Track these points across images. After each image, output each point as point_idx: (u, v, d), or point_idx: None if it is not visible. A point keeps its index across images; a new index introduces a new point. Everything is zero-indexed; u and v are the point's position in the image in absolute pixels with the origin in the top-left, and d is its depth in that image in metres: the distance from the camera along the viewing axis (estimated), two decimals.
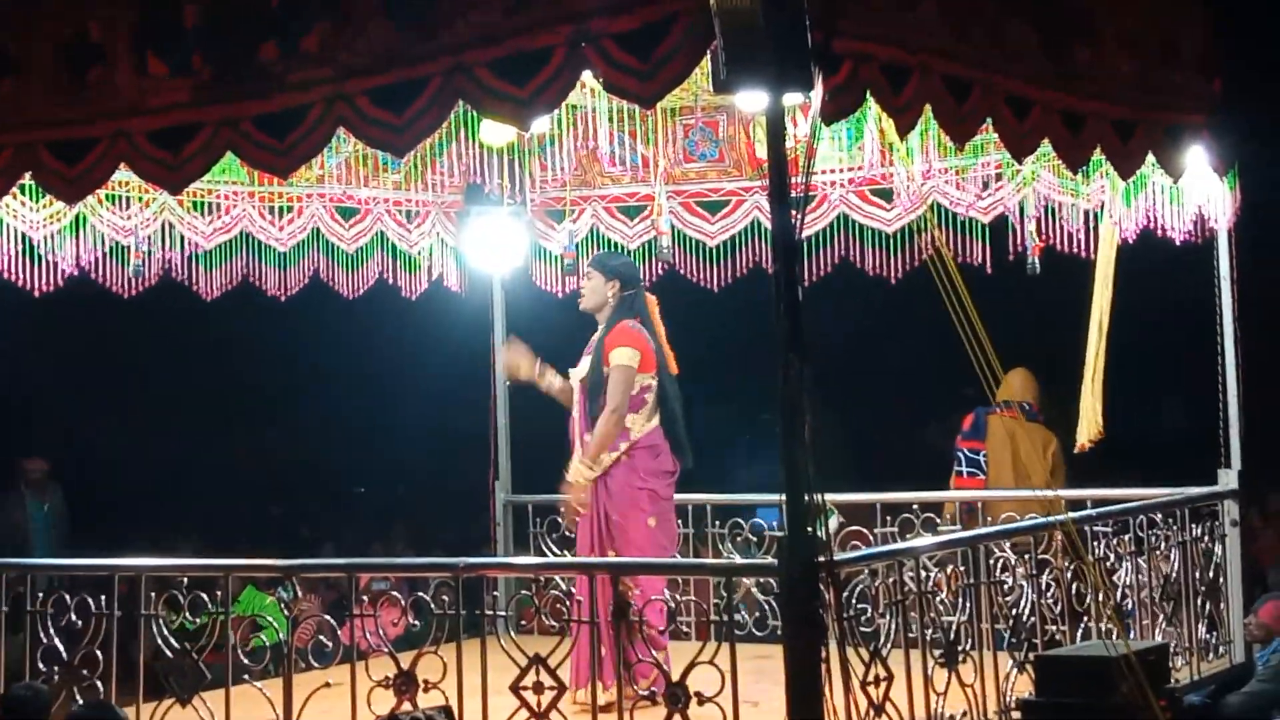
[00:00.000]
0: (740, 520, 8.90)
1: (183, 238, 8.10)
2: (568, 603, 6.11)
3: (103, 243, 7.78)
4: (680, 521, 8.79)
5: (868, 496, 8.66)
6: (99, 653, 6.46)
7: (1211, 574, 7.83)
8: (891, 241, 8.40)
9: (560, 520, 8.14)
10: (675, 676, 5.62)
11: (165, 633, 6.34)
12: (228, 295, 8.48)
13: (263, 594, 9.17)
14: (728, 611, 5.72)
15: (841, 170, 8.45)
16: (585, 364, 7.35)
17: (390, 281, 8.99)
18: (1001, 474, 9.28)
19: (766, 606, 8.39)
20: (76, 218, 7.54)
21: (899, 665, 5.84)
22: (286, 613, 6.50)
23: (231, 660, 6.27)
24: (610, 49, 5.34)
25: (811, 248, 8.39)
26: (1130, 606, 7.42)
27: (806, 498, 5.12)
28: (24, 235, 7.36)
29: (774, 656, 5.29)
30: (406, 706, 5.93)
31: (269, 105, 5.76)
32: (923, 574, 6.15)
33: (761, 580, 8.09)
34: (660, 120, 8.35)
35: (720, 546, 8.94)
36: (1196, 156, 7.36)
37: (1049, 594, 6.96)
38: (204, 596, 6.32)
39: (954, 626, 6.26)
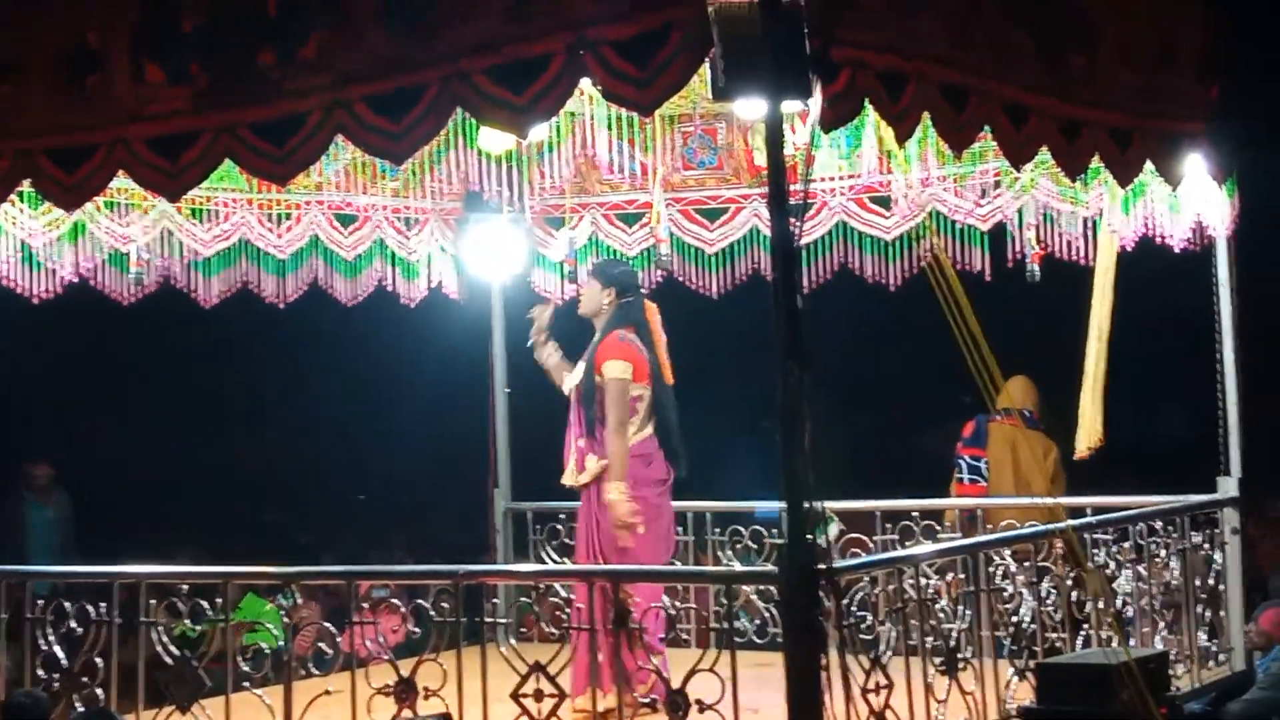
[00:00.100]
0: (740, 528, 8.89)
1: (181, 245, 8.10)
2: (568, 610, 6.11)
3: (101, 250, 7.78)
4: (680, 529, 8.80)
5: (868, 504, 8.65)
6: (99, 660, 6.46)
7: (1211, 581, 7.83)
8: (890, 249, 8.40)
9: (560, 528, 8.16)
10: (676, 684, 5.62)
11: (165, 640, 6.34)
12: (227, 302, 8.48)
13: (263, 600, 9.17)
14: (728, 619, 5.72)
15: (840, 178, 8.46)
16: (579, 370, 7.37)
17: (389, 289, 8.99)
18: (1002, 481, 9.28)
19: (767, 614, 8.38)
20: (75, 225, 7.55)
21: (899, 673, 5.84)
22: (286, 620, 6.49)
23: (232, 667, 6.26)
24: (609, 56, 5.35)
25: (810, 255, 8.39)
26: (1130, 614, 7.41)
27: (806, 505, 5.12)
28: (23, 242, 7.36)
29: (774, 664, 5.28)
30: (407, 714, 5.92)
31: (267, 112, 5.77)
32: (923, 581, 6.15)
33: (762, 587, 8.08)
34: (659, 127, 8.36)
35: (720, 554, 8.93)
36: (1195, 164, 7.36)
37: (1049, 602, 6.96)
38: (204, 604, 6.32)
39: (954, 634, 6.26)
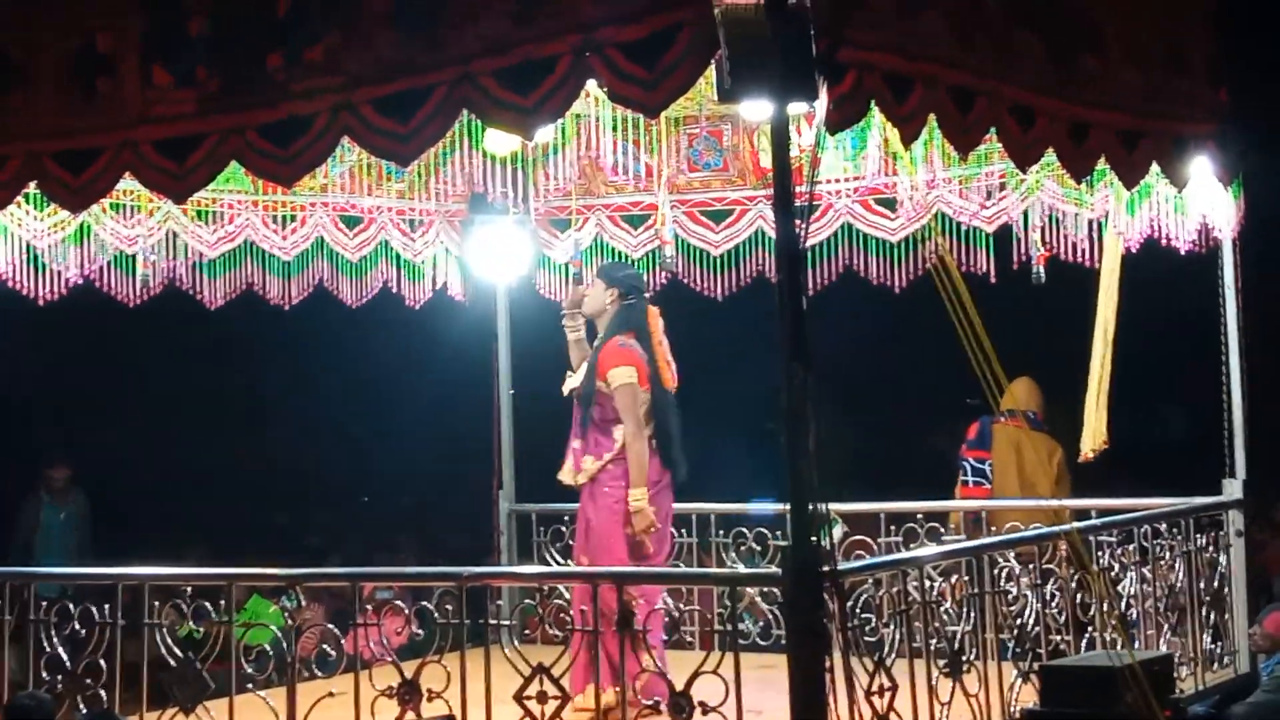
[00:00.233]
0: (744, 529, 8.89)
1: (187, 246, 8.11)
2: (571, 612, 6.11)
3: (106, 251, 7.79)
4: (683, 530, 8.81)
5: (872, 506, 8.66)
6: (102, 661, 6.46)
7: (1216, 584, 7.82)
8: (896, 251, 8.40)
9: (564, 530, 8.17)
10: (679, 686, 5.61)
11: (169, 641, 6.34)
12: (231, 304, 8.48)
13: (268, 602, 9.17)
14: (731, 621, 5.71)
15: (846, 179, 8.45)
16: (580, 373, 7.40)
17: (394, 290, 9.00)
18: (1007, 483, 9.27)
19: (771, 616, 8.38)
20: (81, 227, 7.56)
21: (903, 675, 5.83)
22: (290, 621, 6.49)
23: (235, 669, 6.26)
24: (615, 58, 5.34)
25: (815, 257, 8.39)
26: (1135, 616, 7.41)
27: (810, 507, 5.12)
28: (28, 244, 7.37)
29: (778, 666, 5.29)
30: (410, 716, 5.92)
31: (274, 114, 5.76)
32: (927, 584, 6.15)
33: (766, 589, 8.08)
34: (664, 129, 8.36)
35: (724, 556, 8.93)
36: (1201, 166, 7.35)
37: (1053, 604, 6.95)
38: (208, 605, 6.32)
39: (958, 636, 6.25)
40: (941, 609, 6.28)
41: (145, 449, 14.40)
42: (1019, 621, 6.76)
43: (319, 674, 6.47)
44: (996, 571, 6.71)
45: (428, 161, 7.92)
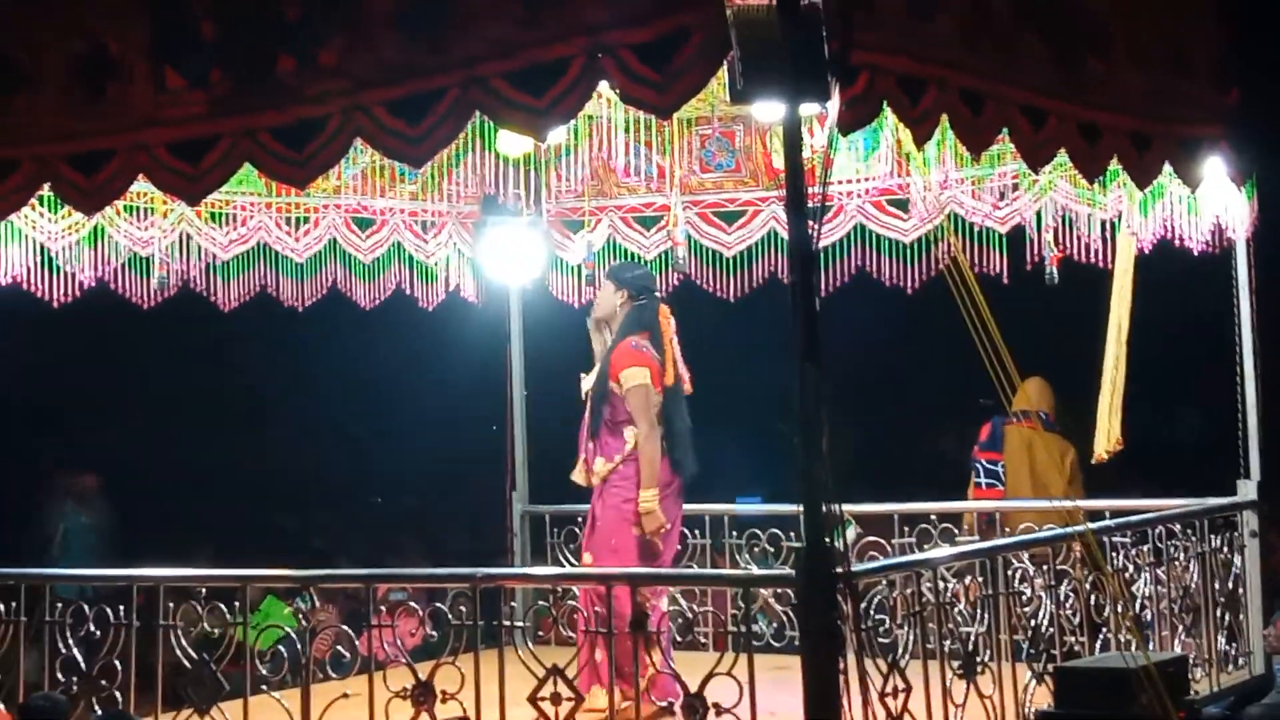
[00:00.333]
0: (757, 531, 8.89)
1: (200, 249, 8.13)
2: (586, 613, 6.11)
3: (119, 253, 7.81)
4: (696, 532, 8.82)
5: (885, 507, 8.65)
6: (117, 663, 6.47)
7: (1231, 585, 7.80)
8: (908, 252, 8.39)
9: (577, 531, 8.17)
10: (693, 687, 5.61)
11: (184, 643, 6.35)
12: (244, 305, 8.50)
13: (282, 603, 9.19)
14: (745, 622, 5.71)
15: (858, 180, 8.45)
16: (594, 374, 7.42)
17: (407, 292, 9.01)
18: (1019, 484, 9.26)
19: (785, 617, 8.38)
20: (94, 229, 7.58)
21: (917, 676, 5.83)
22: (304, 623, 6.50)
23: (250, 670, 6.27)
24: (627, 60, 5.35)
25: (828, 258, 8.39)
26: (1149, 618, 7.39)
27: (824, 508, 5.12)
28: (42, 246, 7.39)
29: (792, 667, 5.28)
30: (425, 717, 5.93)
31: (286, 117, 5.77)
32: (941, 585, 6.14)
33: (779, 591, 8.07)
34: (676, 130, 8.36)
35: (737, 557, 8.93)
36: (1214, 167, 7.34)
37: (1068, 605, 6.94)
38: (222, 607, 6.33)
39: (972, 638, 6.25)
40: (955, 610, 6.27)
41: (155, 450, 14.41)
42: (1033, 623, 6.75)
43: (333, 675, 6.48)
44: (1011, 573, 6.70)
45: (440, 163, 7.92)
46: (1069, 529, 6.94)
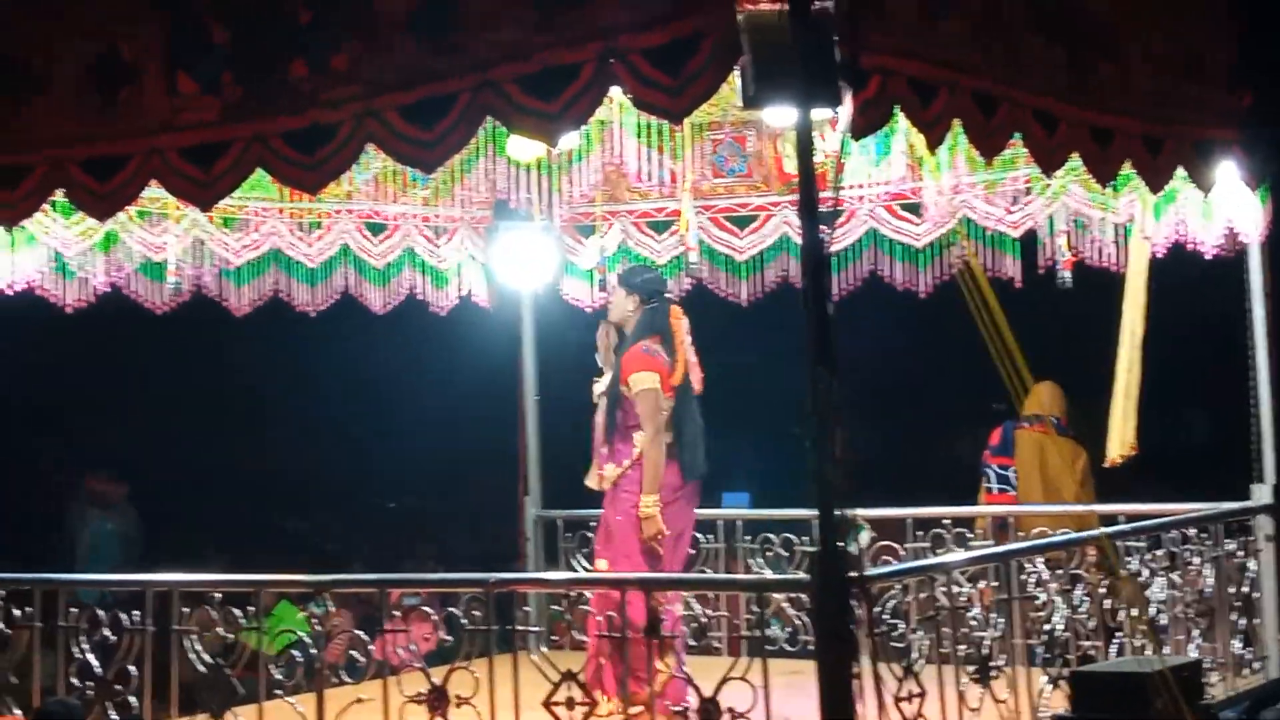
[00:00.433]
0: (771, 535, 8.89)
1: (213, 254, 8.14)
2: (599, 618, 6.12)
3: (132, 258, 7.82)
4: (710, 536, 8.81)
5: (899, 511, 8.64)
6: (132, 668, 6.48)
7: (1246, 589, 7.78)
8: (921, 256, 8.38)
9: (590, 535, 8.16)
10: (708, 692, 5.61)
11: (198, 648, 6.36)
12: (257, 311, 8.51)
13: (295, 608, 9.19)
14: (759, 627, 5.71)
15: (870, 185, 8.44)
16: (607, 378, 7.44)
17: (419, 297, 9.01)
18: (1031, 489, 9.25)
19: (798, 621, 8.37)
20: (108, 234, 7.59)
21: (932, 681, 5.82)
22: (319, 627, 6.50)
23: (264, 675, 6.27)
24: (639, 64, 5.35)
25: (841, 262, 8.38)
26: (1164, 622, 7.38)
27: (838, 512, 5.11)
28: (56, 252, 7.41)
29: (806, 672, 5.28)
30: None
31: (299, 122, 5.78)
32: (955, 589, 6.13)
33: (793, 595, 8.07)
34: (688, 135, 8.36)
35: (751, 561, 8.92)
36: (1227, 170, 7.33)
37: (1082, 609, 6.93)
38: (237, 612, 6.34)
39: (987, 642, 6.24)
40: (970, 615, 6.26)
41: (169, 455, 14.44)
42: (1048, 627, 6.74)
43: (347, 680, 6.47)
44: (1025, 577, 6.69)
45: (452, 168, 7.93)
46: (1084, 533, 6.93)
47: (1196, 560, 7.56)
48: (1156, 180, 6.95)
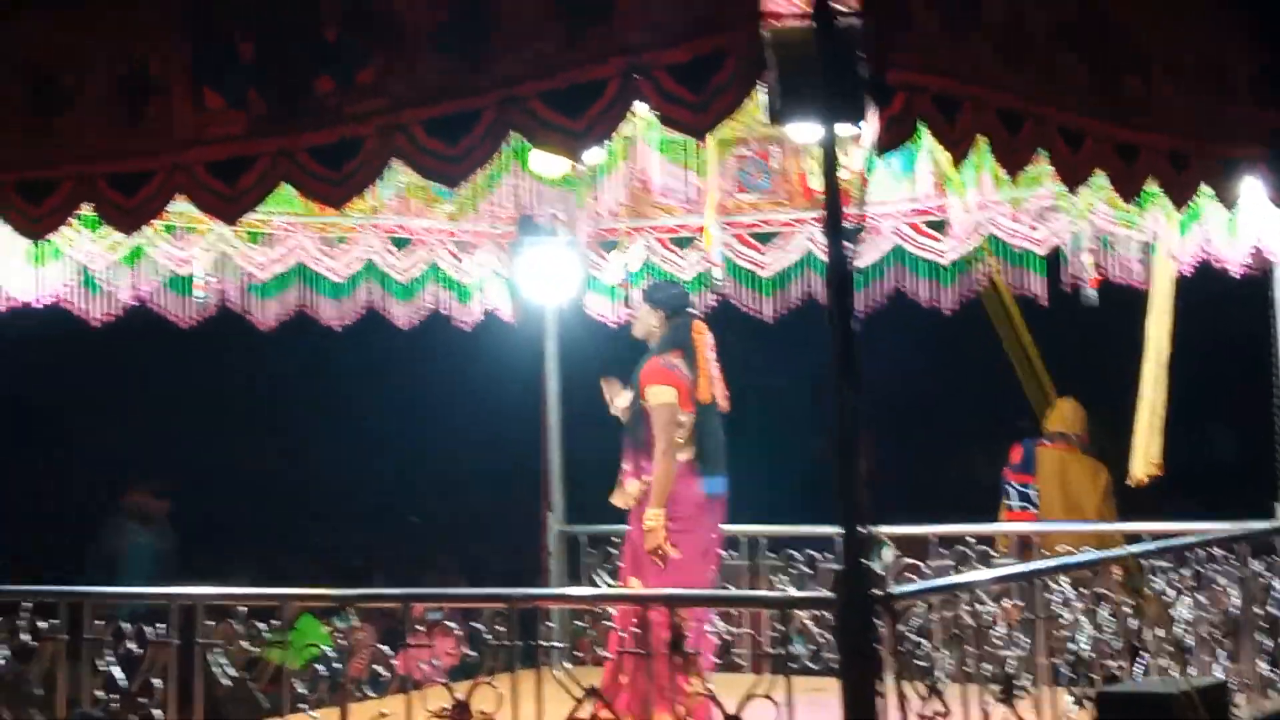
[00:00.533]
0: (794, 552, 8.87)
1: (238, 268, 8.17)
2: (622, 634, 6.11)
3: (159, 272, 7.86)
4: (734, 553, 8.79)
5: (922, 529, 8.62)
6: (157, 681, 6.49)
7: (1272, 609, 7.73)
8: (945, 273, 8.37)
9: (613, 551, 8.16)
10: (731, 709, 5.59)
11: (222, 661, 6.36)
12: (282, 325, 8.53)
13: (318, 622, 9.20)
14: (783, 644, 5.69)
15: (895, 202, 8.44)
16: (628, 394, 7.45)
17: (443, 312, 9.03)
18: (1053, 507, 9.22)
19: (822, 639, 8.34)
20: (134, 248, 7.62)
21: (956, 700, 5.80)
22: (342, 641, 6.51)
23: (288, 689, 6.28)
24: (664, 80, 5.35)
25: (865, 279, 8.37)
26: (1190, 642, 7.34)
27: (862, 529, 5.10)
28: (82, 266, 7.44)
29: (829, 689, 5.26)
30: None
31: (325, 137, 5.80)
32: (980, 608, 6.11)
33: (817, 613, 8.04)
34: (712, 151, 8.36)
35: (773, 578, 8.90)
36: (1253, 188, 7.30)
37: (1108, 629, 6.90)
38: (261, 625, 6.35)
39: (1011, 661, 6.21)
40: (994, 633, 6.23)
41: (193, 469, 14.50)
42: (1073, 646, 6.71)
43: (370, 694, 6.47)
44: (1050, 596, 6.66)
45: (477, 183, 7.94)
46: (1109, 552, 6.90)
47: (1222, 580, 7.52)
48: (1181, 197, 6.92)
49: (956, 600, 6.00)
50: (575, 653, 8.59)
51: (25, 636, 6.70)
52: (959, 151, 5.82)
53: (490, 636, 6.08)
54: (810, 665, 8.13)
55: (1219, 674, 7.22)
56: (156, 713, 6.48)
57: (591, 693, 5.79)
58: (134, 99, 6.06)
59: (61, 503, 13.55)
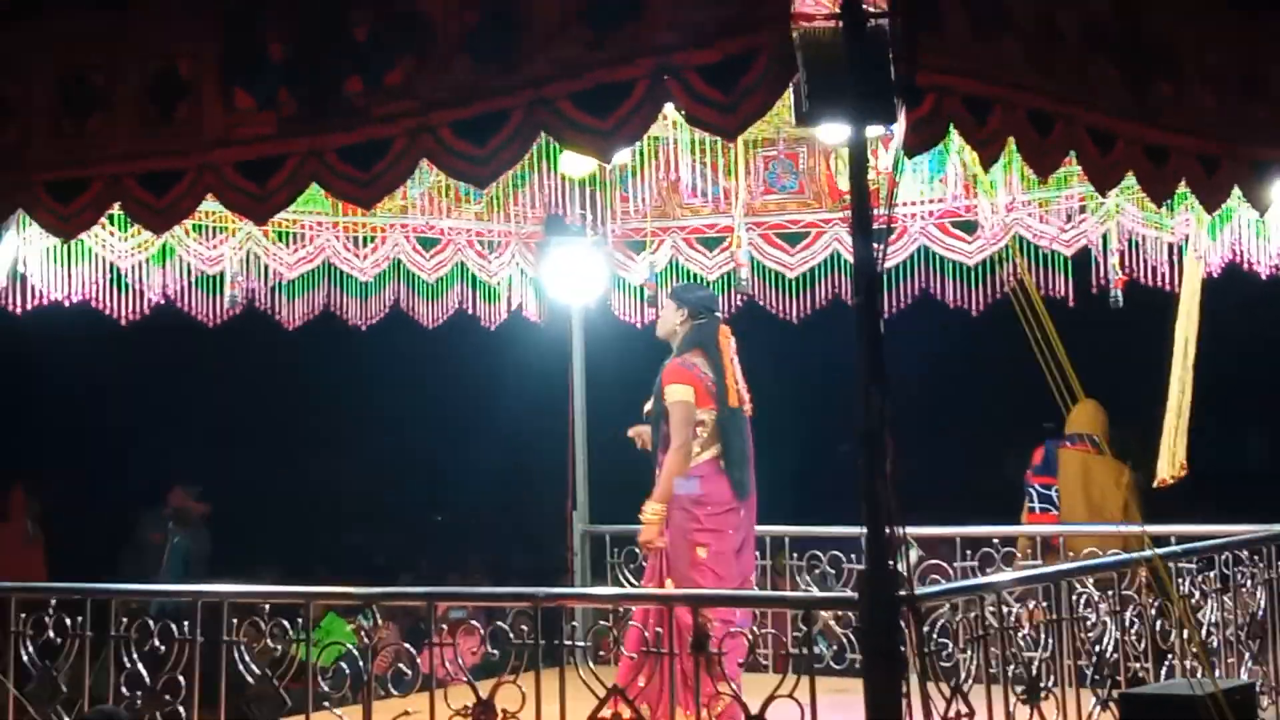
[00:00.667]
0: (818, 552, 8.86)
1: (266, 267, 8.20)
2: (646, 634, 6.11)
3: (189, 272, 7.89)
4: (756, 554, 8.78)
5: (948, 530, 8.60)
6: (181, 678, 6.52)
7: None
8: (973, 274, 8.36)
9: (638, 551, 8.16)
10: (755, 710, 5.59)
11: (247, 659, 6.39)
12: (309, 324, 8.56)
13: (343, 621, 9.23)
14: (806, 644, 5.69)
15: (922, 202, 8.43)
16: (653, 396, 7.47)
17: (470, 312, 9.05)
18: (1075, 508, 9.18)
19: (845, 640, 8.34)
20: (163, 248, 7.66)
21: (980, 701, 5.79)
22: (366, 640, 6.53)
23: (311, 687, 6.30)
24: (693, 81, 5.35)
25: (892, 280, 8.37)
26: (1215, 644, 7.32)
27: (887, 531, 5.10)
28: (112, 264, 7.48)
29: (852, 690, 5.26)
30: None
31: (354, 137, 5.81)
32: (1004, 609, 6.10)
33: (840, 613, 8.04)
34: (741, 152, 8.36)
35: (798, 579, 8.90)
36: None
37: (1133, 631, 6.88)
38: (285, 624, 6.37)
39: (1036, 663, 6.20)
40: (1019, 635, 6.22)
41: (219, 466, 14.55)
42: (1097, 648, 6.69)
43: (394, 692, 6.49)
44: (1075, 598, 6.65)
45: (505, 183, 7.96)
46: (1136, 554, 6.88)
47: (1249, 583, 7.49)
48: (1212, 200, 6.89)
49: (981, 601, 5.99)
50: (599, 652, 8.59)
51: (51, 633, 6.74)
52: (988, 153, 5.82)
53: (514, 635, 6.09)
54: (833, 665, 8.13)
55: (1245, 676, 7.19)
56: (180, 710, 6.50)
57: (614, 691, 5.80)
58: (165, 99, 6.08)
59: (92, 501, 13.63)
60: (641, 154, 7.71)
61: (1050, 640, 6.45)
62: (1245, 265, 7.66)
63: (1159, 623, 6.99)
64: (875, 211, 5.27)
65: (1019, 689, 6.08)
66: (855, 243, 5.29)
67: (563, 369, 9.48)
